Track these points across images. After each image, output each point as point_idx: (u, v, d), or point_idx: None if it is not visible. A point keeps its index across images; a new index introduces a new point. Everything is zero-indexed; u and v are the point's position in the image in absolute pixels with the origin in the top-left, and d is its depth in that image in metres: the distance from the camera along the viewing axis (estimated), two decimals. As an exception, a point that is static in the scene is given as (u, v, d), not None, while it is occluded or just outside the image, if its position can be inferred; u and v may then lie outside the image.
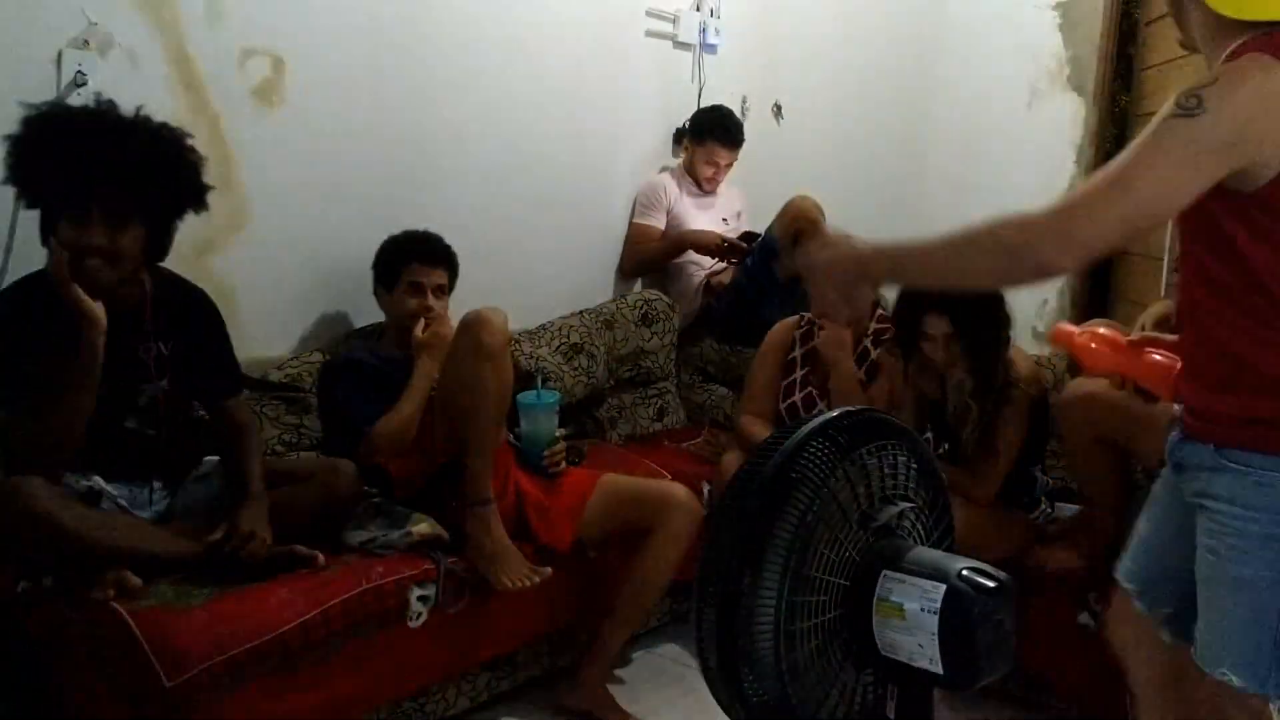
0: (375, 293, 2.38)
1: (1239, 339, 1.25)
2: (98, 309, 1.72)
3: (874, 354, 2.49)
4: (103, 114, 1.76)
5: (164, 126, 1.80)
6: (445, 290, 2.33)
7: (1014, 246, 1.18)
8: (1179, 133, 1.14)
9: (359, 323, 2.54)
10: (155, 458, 1.90)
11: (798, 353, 2.58)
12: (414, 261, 2.30)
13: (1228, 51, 1.21)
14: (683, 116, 3.30)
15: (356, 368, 2.20)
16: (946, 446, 2.26)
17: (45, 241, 1.75)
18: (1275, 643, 1.27)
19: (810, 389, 2.54)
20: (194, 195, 1.84)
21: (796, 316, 2.63)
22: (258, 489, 1.89)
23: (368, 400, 2.15)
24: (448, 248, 2.35)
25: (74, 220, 1.71)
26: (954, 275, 1.30)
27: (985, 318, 2.09)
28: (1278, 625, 1.26)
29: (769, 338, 2.62)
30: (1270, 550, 1.25)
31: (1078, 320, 3.84)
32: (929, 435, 2.28)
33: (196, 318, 1.94)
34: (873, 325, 2.53)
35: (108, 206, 1.72)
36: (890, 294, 2.40)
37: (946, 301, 2.08)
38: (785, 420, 2.51)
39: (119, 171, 1.71)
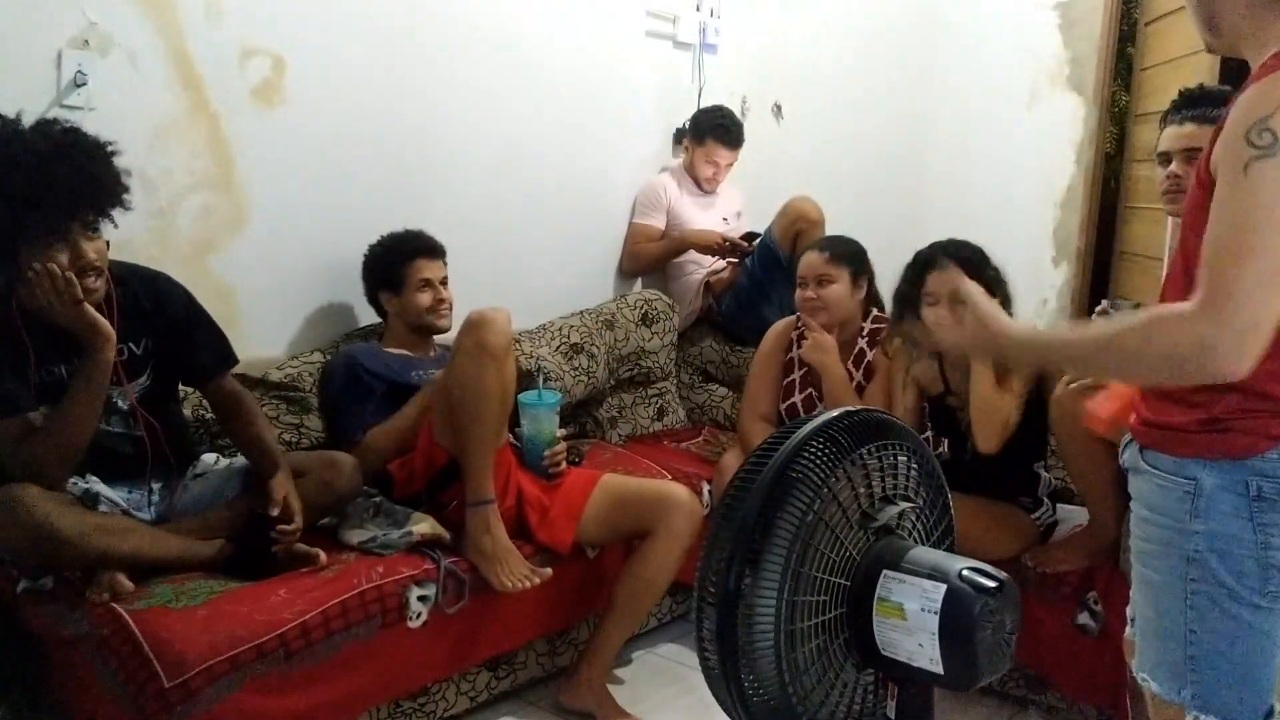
0: (375, 299, 2.40)
1: None
2: (108, 324, 1.72)
3: (869, 354, 2.50)
4: (37, 131, 1.68)
5: (74, 129, 1.71)
6: (447, 282, 2.39)
7: (1182, 358, 1.08)
8: (1270, 175, 1.07)
9: (359, 322, 2.54)
10: (149, 459, 1.90)
11: (795, 353, 2.58)
12: (417, 258, 2.34)
13: (1272, 51, 1.14)
14: (683, 116, 3.30)
15: (355, 372, 2.23)
16: (946, 445, 2.27)
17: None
18: (1187, 654, 1.25)
19: (810, 389, 2.54)
20: (124, 188, 1.77)
21: (793, 317, 2.62)
22: (280, 458, 1.92)
23: (363, 406, 2.19)
24: (438, 240, 2.41)
25: (60, 241, 1.67)
26: (1107, 374, 1.23)
27: (995, 282, 2.13)
28: (1186, 635, 1.24)
29: (766, 339, 2.63)
30: (1172, 556, 1.24)
31: (1077, 318, 3.86)
32: (928, 434, 2.28)
33: (167, 308, 1.91)
34: (867, 325, 2.53)
35: (84, 220, 1.70)
36: (884, 295, 2.40)
37: (951, 259, 2.12)
38: (786, 420, 2.51)
39: (79, 184, 1.67)
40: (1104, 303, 1.99)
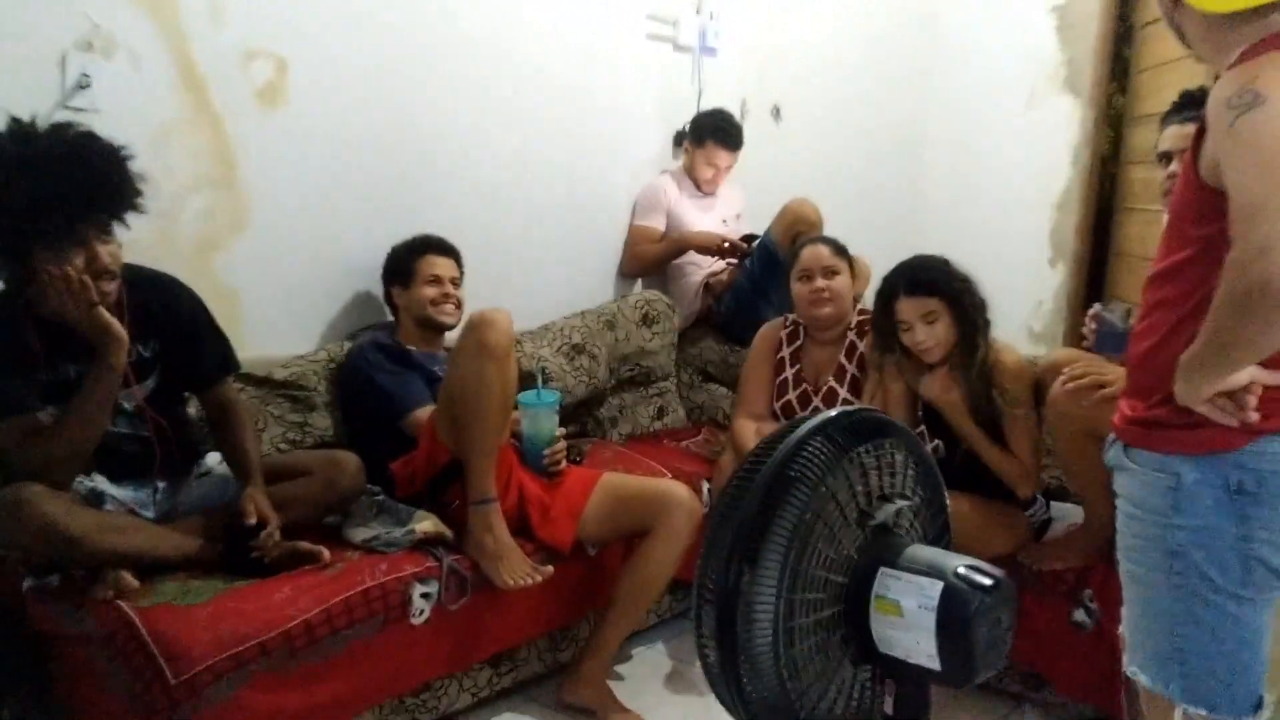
0: (389, 295, 2.43)
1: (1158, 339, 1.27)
2: (121, 328, 1.74)
3: (860, 347, 2.52)
4: (53, 135, 1.69)
5: (88, 133, 1.72)
6: (458, 283, 2.42)
7: (1259, 283, 1.08)
8: (1255, 120, 1.10)
9: (362, 322, 2.55)
10: (155, 459, 1.91)
11: (786, 352, 2.60)
12: (429, 253, 2.40)
13: (1236, 54, 1.20)
14: (683, 119, 3.31)
15: (381, 352, 2.28)
16: (941, 444, 2.28)
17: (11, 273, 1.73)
18: (1174, 646, 1.27)
19: (805, 385, 2.56)
20: (138, 192, 1.78)
21: (782, 318, 2.66)
22: (254, 472, 1.92)
23: (409, 379, 2.24)
24: (453, 244, 2.45)
25: (73, 245, 1.69)
26: (1236, 347, 1.16)
27: (963, 292, 2.14)
28: (1172, 628, 1.26)
29: (756, 341, 2.65)
30: (1156, 551, 1.26)
31: (1075, 322, 3.88)
32: (922, 429, 2.29)
33: (175, 311, 1.93)
34: (854, 318, 2.56)
35: (98, 223, 1.71)
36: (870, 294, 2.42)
37: (913, 283, 2.13)
38: (781, 419, 2.53)
39: (95, 188, 1.69)
40: (1096, 306, 2.00)
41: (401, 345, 2.36)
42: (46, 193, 1.63)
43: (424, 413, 2.17)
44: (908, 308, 2.14)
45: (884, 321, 2.20)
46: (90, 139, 1.71)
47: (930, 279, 2.14)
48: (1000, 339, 2.23)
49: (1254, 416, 1.21)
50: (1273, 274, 1.07)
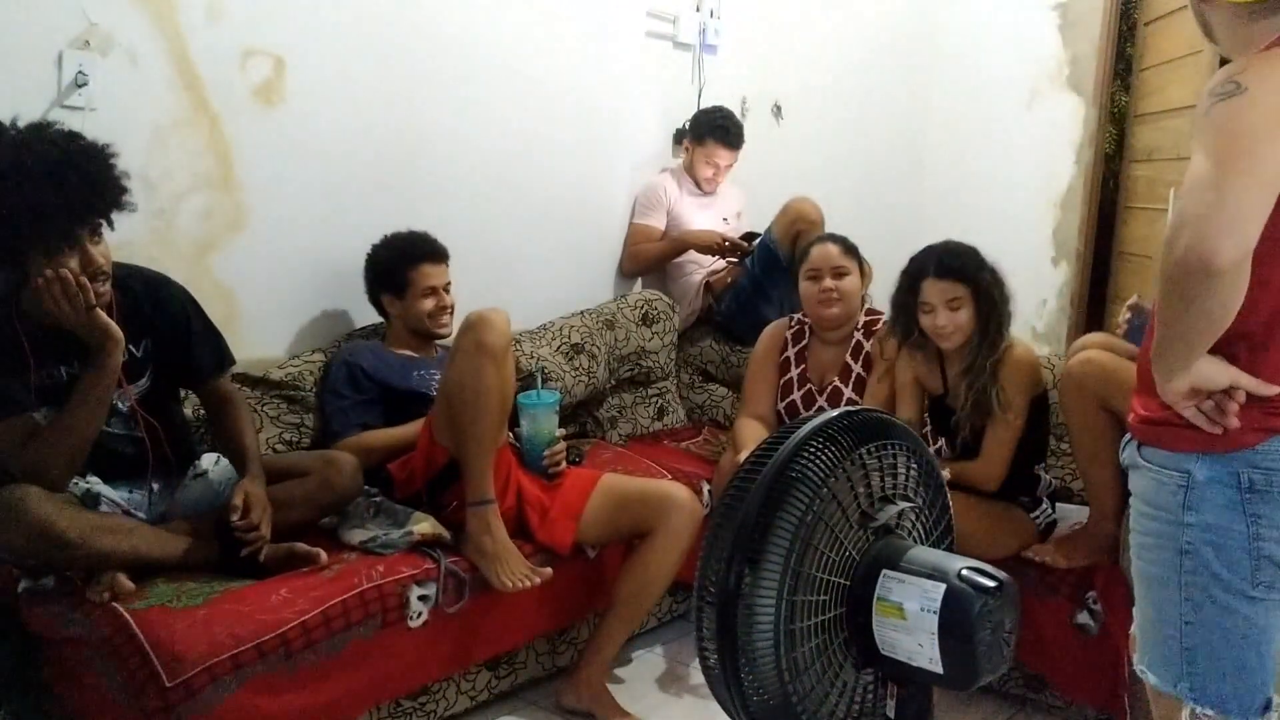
0: (377, 299, 2.40)
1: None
2: (118, 329, 1.72)
3: (866, 346, 2.51)
4: (41, 138, 1.66)
5: (73, 132, 1.70)
6: (449, 287, 2.40)
7: (1188, 260, 1.10)
8: (1227, 108, 1.11)
9: (359, 322, 2.54)
10: (149, 459, 1.89)
11: (791, 352, 2.59)
12: (422, 263, 2.35)
13: (1261, 47, 1.20)
14: (683, 117, 3.30)
15: (352, 372, 2.25)
16: (945, 442, 2.27)
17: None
18: (1183, 646, 1.27)
19: (809, 385, 2.55)
20: (125, 190, 1.76)
21: (787, 318, 2.65)
22: (252, 464, 1.90)
23: (354, 405, 2.22)
24: (441, 244, 2.41)
25: (68, 247, 1.66)
26: (1175, 326, 1.17)
27: (991, 284, 2.12)
28: (1181, 627, 1.26)
29: (761, 341, 2.64)
30: (1167, 549, 1.26)
31: (1078, 320, 3.87)
32: (927, 430, 2.28)
33: (166, 309, 1.91)
34: (862, 318, 2.55)
35: (90, 224, 1.69)
36: (884, 294, 2.41)
37: (942, 266, 2.11)
38: (786, 419, 2.52)
39: (89, 191, 1.67)
40: (1135, 297, 1.98)
41: (385, 355, 2.33)
42: (41, 196, 1.62)
43: (350, 442, 2.16)
44: (934, 290, 2.11)
45: (906, 300, 2.17)
46: (76, 139, 1.69)
47: (960, 265, 2.11)
48: (1016, 337, 2.20)
49: (1234, 423, 1.21)
50: (1189, 247, 1.09)
